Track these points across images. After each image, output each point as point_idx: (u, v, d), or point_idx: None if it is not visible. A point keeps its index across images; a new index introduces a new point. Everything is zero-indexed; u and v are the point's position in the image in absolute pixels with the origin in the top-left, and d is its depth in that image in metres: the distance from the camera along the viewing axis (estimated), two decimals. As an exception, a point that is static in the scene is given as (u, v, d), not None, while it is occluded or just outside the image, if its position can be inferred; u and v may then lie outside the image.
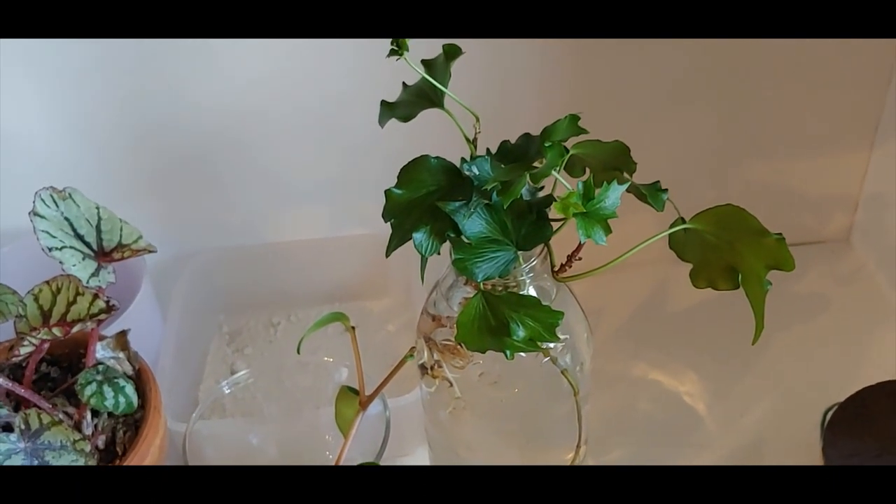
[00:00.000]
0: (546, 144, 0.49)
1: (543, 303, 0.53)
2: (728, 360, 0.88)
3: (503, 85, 0.84)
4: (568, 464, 0.67)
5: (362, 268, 0.94)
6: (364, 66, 0.82)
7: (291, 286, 0.94)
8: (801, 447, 0.78)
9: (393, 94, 0.64)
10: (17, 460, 0.58)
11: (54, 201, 0.64)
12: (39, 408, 0.61)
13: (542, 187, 0.56)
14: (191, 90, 0.85)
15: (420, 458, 0.78)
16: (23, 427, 0.59)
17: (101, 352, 0.67)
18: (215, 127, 0.87)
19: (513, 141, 0.58)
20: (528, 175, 0.49)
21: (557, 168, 0.49)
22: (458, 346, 0.61)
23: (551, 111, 0.58)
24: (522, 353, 0.55)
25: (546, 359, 0.61)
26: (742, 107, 0.90)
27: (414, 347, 0.63)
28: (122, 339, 0.68)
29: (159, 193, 0.90)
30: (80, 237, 0.64)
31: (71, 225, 0.64)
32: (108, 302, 0.61)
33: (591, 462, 0.77)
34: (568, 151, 0.49)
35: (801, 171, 0.95)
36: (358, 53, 0.82)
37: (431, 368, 0.64)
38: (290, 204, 0.93)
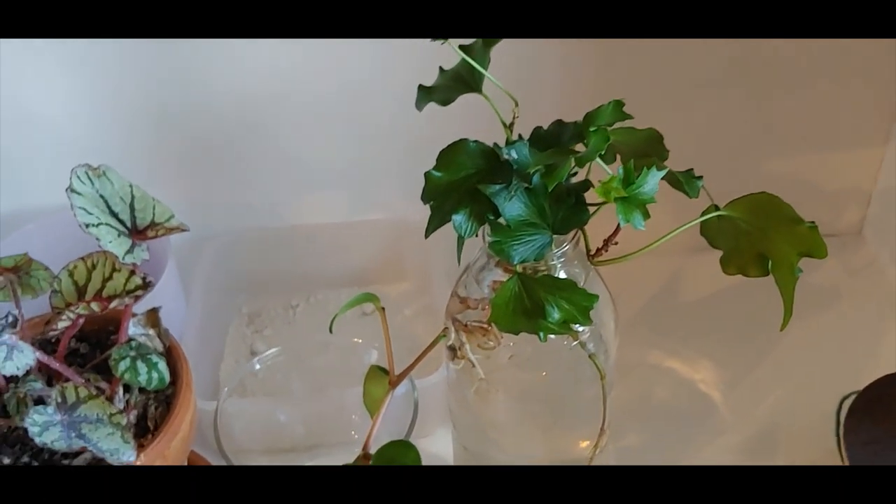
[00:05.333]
0: (591, 129, 0.50)
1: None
2: (742, 349, 0.89)
3: (529, 72, 0.85)
4: (591, 446, 0.68)
5: (380, 252, 0.95)
6: (386, 53, 0.83)
7: (310, 269, 0.95)
8: (815, 435, 0.79)
9: (414, 81, 0.64)
10: (55, 433, 0.59)
11: (90, 178, 0.64)
12: (74, 382, 0.62)
13: (576, 173, 0.57)
14: (214, 75, 0.85)
15: (441, 438, 0.78)
16: (59, 400, 0.60)
17: (131, 329, 0.67)
18: (238, 111, 0.88)
19: (545, 127, 0.59)
20: (572, 159, 0.50)
21: (602, 153, 0.50)
22: (488, 328, 0.62)
23: (576, 99, 0.59)
24: (552, 336, 0.56)
25: (575, 342, 0.62)
26: (758, 100, 0.91)
27: (446, 328, 0.64)
28: (152, 317, 0.68)
29: (182, 176, 0.91)
30: (114, 215, 0.64)
31: (106, 202, 0.64)
32: (144, 278, 0.62)
33: (609, 446, 0.78)
34: (609, 138, 0.50)
35: (816, 164, 0.96)
36: (379, 40, 0.83)
37: (458, 349, 0.65)
38: (310, 188, 0.94)
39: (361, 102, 0.88)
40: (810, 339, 0.90)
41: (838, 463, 0.75)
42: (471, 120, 0.62)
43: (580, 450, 0.70)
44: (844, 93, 0.91)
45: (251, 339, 0.91)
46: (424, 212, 0.92)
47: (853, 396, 0.74)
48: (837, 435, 0.75)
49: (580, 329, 0.61)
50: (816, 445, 0.79)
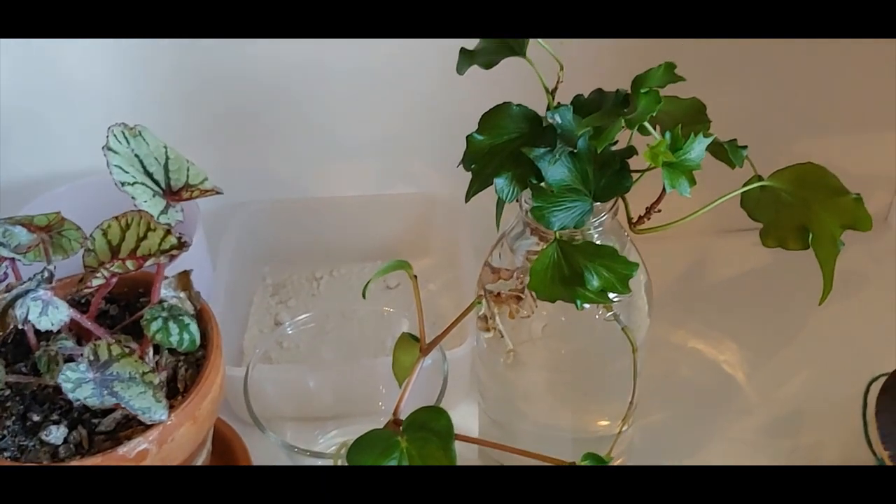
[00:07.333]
0: (642, 91, 0.50)
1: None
2: (766, 332, 0.90)
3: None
4: (618, 422, 0.68)
5: (406, 226, 0.95)
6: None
7: (335, 242, 0.95)
8: (841, 416, 0.79)
9: (447, 55, 0.63)
10: (87, 390, 0.59)
11: (126, 137, 0.64)
12: (106, 340, 0.62)
13: (616, 142, 0.56)
14: (247, 42, 0.85)
15: (465, 413, 0.78)
16: (91, 358, 0.60)
17: (162, 291, 0.67)
18: (270, 79, 0.88)
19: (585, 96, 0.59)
20: (622, 120, 0.49)
21: (653, 115, 0.49)
22: (522, 296, 0.62)
23: (616, 70, 0.59)
24: (586, 307, 0.56)
25: (609, 314, 0.61)
26: (785, 81, 0.91)
27: (481, 295, 0.63)
28: (184, 279, 0.68)
29: (211, 143, 0.90)
30: (149, 175, 0.64)
31: (141, 162, 0.64)
32: (180, 238, 0.61)
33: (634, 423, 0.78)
34: (661, 100, 0.50)
35: (843, 148, 0.96)
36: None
37: (489, 319, 0.65)
38: (338, 159, 0.93)
39: (393, 75, 0.88)
40: (835, 324, 0.89)
41: (863, 443, 0.75)
42: (504, 95, 0.61)
43: (607, 424, 0.70)
44: (873, 74, 0.91)
45: (276, 310, 0.91)
46: (451, 186, 0.93)
47: (883, 378, 0.74)
48: (864, 416, 0.75)
49: (615, 301, 0.61)
50: (842, 427, 0.78)
